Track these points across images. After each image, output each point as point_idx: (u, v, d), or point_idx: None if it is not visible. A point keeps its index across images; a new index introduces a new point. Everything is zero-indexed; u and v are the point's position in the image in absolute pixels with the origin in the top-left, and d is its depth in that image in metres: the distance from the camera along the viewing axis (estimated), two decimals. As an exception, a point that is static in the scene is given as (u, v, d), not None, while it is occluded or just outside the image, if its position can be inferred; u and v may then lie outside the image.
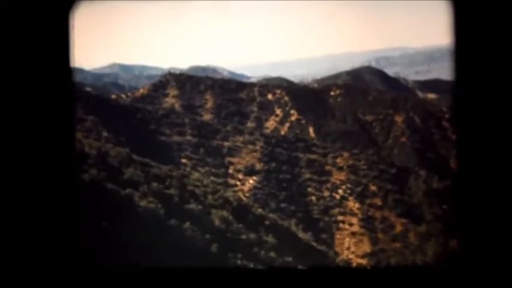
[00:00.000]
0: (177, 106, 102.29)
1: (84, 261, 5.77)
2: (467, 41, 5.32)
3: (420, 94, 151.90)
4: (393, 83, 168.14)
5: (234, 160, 77.63)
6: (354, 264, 61.48)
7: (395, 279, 5.79)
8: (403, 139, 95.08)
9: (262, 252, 51.08)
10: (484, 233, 5.31)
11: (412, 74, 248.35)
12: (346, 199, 70.98)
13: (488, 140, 5.32)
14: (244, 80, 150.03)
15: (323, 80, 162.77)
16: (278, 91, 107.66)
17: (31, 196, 5.49)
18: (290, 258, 52.08)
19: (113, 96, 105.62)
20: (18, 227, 5.54)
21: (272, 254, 51.36)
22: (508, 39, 5.24)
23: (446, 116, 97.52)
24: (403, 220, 66.05)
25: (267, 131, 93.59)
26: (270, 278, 5.95)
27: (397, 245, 62.27)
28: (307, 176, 74.99)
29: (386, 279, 5.81)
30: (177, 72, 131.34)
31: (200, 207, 52.91)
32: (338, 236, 66.29)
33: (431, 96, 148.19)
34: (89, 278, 5.78)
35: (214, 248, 47.64)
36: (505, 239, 5.28)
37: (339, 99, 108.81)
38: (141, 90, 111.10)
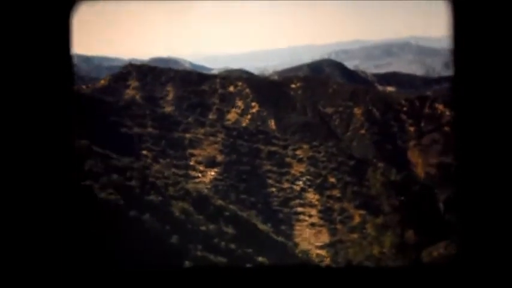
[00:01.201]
0: (138, 97, 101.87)
1: (88, 263, 5.84)
2: (466, 39, 5.34)
3: (379, 87, 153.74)
4: (353, 76, 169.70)
5: (195, 152, 77.80)
6: (313, 255, 62.36)
7: (391, 279, 5.82)
8: (362, 131, 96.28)
9: (222, 243, 51.53)
10: (485, 234, 5.32)
11: (371, 67, 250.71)
12: (306, 191, 71.78)
13: (487, 138, 5.31)
14: (206, 72, 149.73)
15: (284, 72, 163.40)
16: (239, 83, 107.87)
17: (28, 192, 5.51)
18: (250, 250, 52.60)
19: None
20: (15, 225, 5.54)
21: (232, 245, 51.83)
22: (507, 39, 5.25)
23: (404, 108, 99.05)
24: (361, 211, 67.12)
25: (229, 123, 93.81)
26: (267, 278, 5.98)
27: (355, 235, 63.26)
28: (268, 167, 75.57)
29: (382, 280, 5.84)
30: (138, 63, 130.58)
31: (161, 198, 53.10)
32: (297, 227, 67.10)
33: (390, 89, 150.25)
34: (89, 277, 5.86)
35: (174, 239, 47.93)
36: (504, 239, 5.30)
37: (299, 92, 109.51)
38: (102, 82, 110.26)
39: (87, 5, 6.05)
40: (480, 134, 5.32)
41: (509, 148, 5.26)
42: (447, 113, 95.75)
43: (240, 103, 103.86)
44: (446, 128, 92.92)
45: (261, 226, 60.71)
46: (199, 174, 74.10)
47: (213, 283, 5.94)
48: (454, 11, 5.38)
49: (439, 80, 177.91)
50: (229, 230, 53.92)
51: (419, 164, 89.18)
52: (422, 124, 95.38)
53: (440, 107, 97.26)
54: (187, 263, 45.03)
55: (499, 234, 5.29)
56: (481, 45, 5.29)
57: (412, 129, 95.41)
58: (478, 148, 5.32)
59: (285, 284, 5.95)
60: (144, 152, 77.13)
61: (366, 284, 5.83)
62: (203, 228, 52.10)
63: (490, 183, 5.31)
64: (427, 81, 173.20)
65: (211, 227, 52.73)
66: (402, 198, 63.41)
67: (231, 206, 60.46)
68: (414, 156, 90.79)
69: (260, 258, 51.65)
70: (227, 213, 56.78)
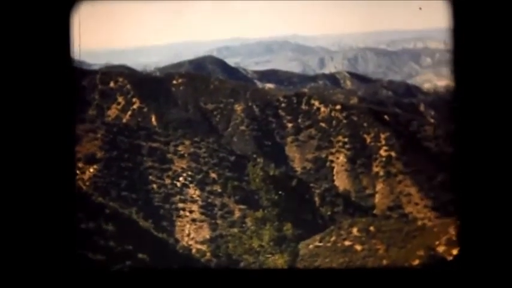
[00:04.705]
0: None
1: (80, 262, 5.88)
2: (466, 41, 5.37)
3: (259, 84, 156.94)
4: (234, 73, 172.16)
5: (74, 149, 76.31)
6: (194, 251, 62.97)
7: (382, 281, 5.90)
8: (242, 127, 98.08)
9: (102, 241, 51.02)
10: (485, 237, 5.35)
11: (251, 64, 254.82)
12: (187, 186, 72.19)
13: (486, 137, 5.32)
14: (86, 68, 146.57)
15: (166, 68, 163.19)
16: (120, 79, 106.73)
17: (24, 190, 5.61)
18: (130, 247, 52.40)
19: None
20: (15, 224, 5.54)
21: (112, 243, 51.41)
22: (507, 39, 5.31)
23: (283, 105, 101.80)
24: (241, 206, 68.46)
25: (109, 119, 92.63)
26: (262, 279, 6.09)
27: (235, 230, 64.52)
28: (149, 164, 75.29)
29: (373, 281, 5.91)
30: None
31: (37, 197, 51.86)
32: (178, 223, 67.42)
33: (269, 86, 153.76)
34: (87, 277, 5.88)
35: (52, 238, 47.00)
36: (505, 239, 5.34)
37: (181, 88, 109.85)
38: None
39: (87, 4, 6.15)
40: (479, 134, 5.32)
41: (509, 148, 5.28)
42: (323, 109, 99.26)
43: (120, 99, 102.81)
44: (322, 124, 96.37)
45: (142, 223, 60.52)
46: (78, 171, 72.75)
47: (209, 283, 6.05)
48: (454, 11, 5.44)
49: (315, 77, 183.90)
50: (110, 227, 53.40)
51: (297, 159, 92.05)
52: (300, 120, 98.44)
53: (316, 103, 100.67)
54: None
55: (499, 235, 5.34)
56: (480, 46, 5.33)
57: (290, 125, 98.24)
58: (478, 148, 5.33)
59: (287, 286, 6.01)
60: (20, 150, 74.77)
61: (367, 284, 5.91)
62: (83, 226, 51.35)
63: (490, 184, 5.34)
64: (304, 78, 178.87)
65: (91, 224, 52.06)
66: (280, 192, 65.33)
67: (112, 203, 59.85)
68: (292, 152, 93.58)
69: (140, 255, 51.61)
70: (107, 211, 56.18)
